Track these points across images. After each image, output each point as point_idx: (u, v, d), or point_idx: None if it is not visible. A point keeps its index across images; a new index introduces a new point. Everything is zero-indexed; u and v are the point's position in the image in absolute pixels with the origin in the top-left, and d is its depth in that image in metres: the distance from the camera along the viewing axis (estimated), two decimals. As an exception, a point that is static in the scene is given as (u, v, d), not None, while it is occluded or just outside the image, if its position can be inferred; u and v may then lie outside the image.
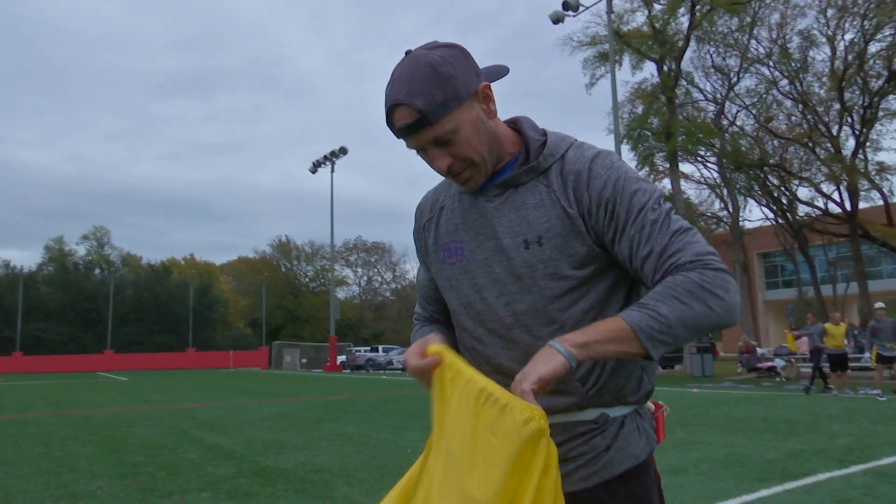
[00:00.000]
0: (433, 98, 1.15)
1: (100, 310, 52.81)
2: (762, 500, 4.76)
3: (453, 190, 1.37)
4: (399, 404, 13.96)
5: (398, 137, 1.23)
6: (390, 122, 1.22)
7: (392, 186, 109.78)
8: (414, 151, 1.25)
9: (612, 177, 1.18)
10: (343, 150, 42.56)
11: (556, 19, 24.65)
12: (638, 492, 1.21)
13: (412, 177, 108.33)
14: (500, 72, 1.33)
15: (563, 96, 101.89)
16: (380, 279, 71.22)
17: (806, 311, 33.55)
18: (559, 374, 1.05)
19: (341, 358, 42.22)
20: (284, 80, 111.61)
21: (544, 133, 1.29)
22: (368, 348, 44.85)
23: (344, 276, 66.76)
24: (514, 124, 1.32)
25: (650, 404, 1.34)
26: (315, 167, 44.08)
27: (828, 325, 14.55)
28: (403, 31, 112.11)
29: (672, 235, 1.12)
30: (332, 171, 43.30)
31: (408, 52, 1.21)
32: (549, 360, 1.06)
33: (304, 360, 50.04)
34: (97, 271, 61.56)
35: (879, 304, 13.76)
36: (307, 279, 67.87)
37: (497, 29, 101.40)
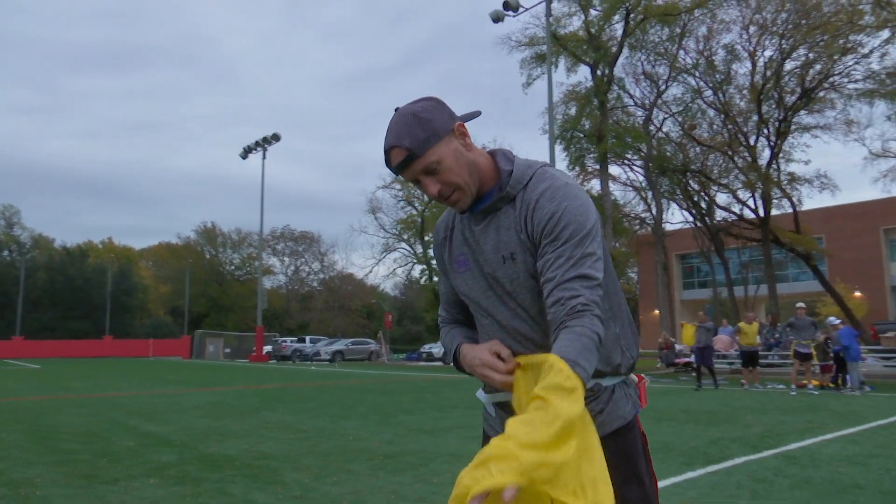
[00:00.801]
0: (417, 137, 1.42)
1: (8, 293, 50.15)
2: (689, 481, 5.19)
3: (457, 219, 1.63)
4: (332, 394, 14.02)
5: (396, 174, 1.49)
6: (388, 163, 1.47)
7: (321, 176, 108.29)
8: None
9: (551, 210, 1.42)
10: (276, 137, 41.89)
11: (496, 18, 25.04)
12: (626, 446, 1.48)
13: (343, 167, 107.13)
14: (473, 115, 1.58)
15: (494, 92, 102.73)
16: (307, 269, 70.37)
17: (721, 311, 35.40)
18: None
19: (267, 348, 41.61)
20: (209, 61, 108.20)
21: (512, 164, 1.52)
22: (295, 339, 44.37)
23: (270, 264, 65.62)
24: (492, 156, 1.56)
25: (633, 376, 1.60)
26: (246, 153, 43.20)
27: (741, 325, 15.50)
28: (332, 17, 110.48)
29: (571, 278, 1.35)
30: (264, 157, 42.57)
31: (396, 109, 1.48)
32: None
33: (227, 350, 48.99)
34: (6, 253, 58.30)
35: (800, 304, 14.75)
36: (233, 267, 66.37)
37: (429, 22, 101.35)
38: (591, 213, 1.43)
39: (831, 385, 14.41)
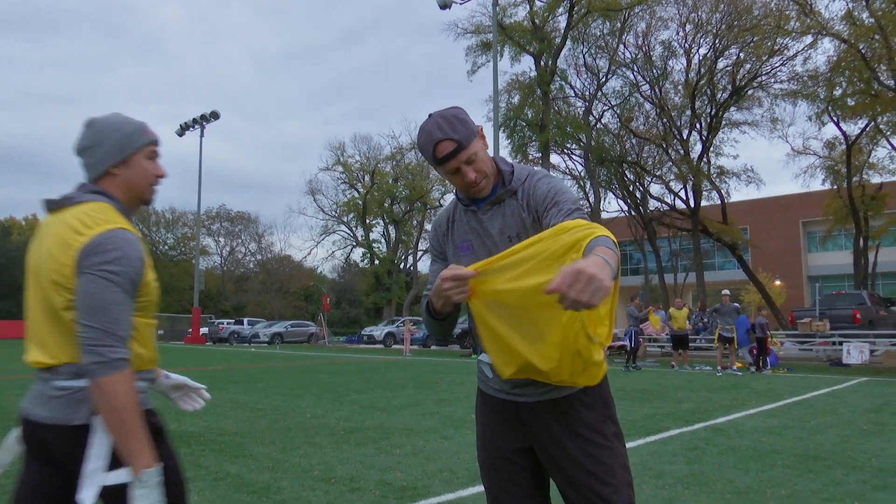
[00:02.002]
0: (462, 133, 1.78)
1: (-78, 271, 47.56)
2: (630, 450, 5.68)
3: (458, 211, 1.97)
4: (280, 375, 14.16)
5: (439, 164, 1.82)
6: (435, 154, 1.79)
7: (257, 156, 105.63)
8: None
9: (545, 188, 1.82)
10: (214, 115, 40.96)
11: (444, 5, 25.25)
12: (603, 393, 1.86)
13: (279, 147, 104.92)
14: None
15: (433, 76, 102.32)
16: (244, 250, 69.15)
17: (652, 297, 36.84)
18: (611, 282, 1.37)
19: (203, 330, 40.93)
20: (135, 32, 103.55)
21: (512, 166, 1.92)
22: (232, 321, 43.76)
23: (205, 245, 64.17)
24: (493, 160, 1.93)
25: None
26: (183, 130, 42.06)
27: (672, 310, 16.43)
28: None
29: (571, 211, 1.74)
30: (202, 135, 41.60)
31: (430, 115, 1.84)
32: (604, 269, 1.35)
33: (160, 332, 47.88)
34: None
35: (725, 292, 15.71)
36: (166, 247, 64.56)
37: (367, 1, 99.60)
38: (573, 191, 1.85)
39: (752, 367, 15.45)
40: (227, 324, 41.59)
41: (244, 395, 10.25)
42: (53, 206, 1.75)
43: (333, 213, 50.39)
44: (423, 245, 52.49)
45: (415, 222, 50.56)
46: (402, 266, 50.54)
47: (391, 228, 49.48)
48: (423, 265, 72.49)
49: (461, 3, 25.43)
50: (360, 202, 46.94)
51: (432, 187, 47.58)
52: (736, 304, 15.72)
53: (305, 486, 4.55)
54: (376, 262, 47.02)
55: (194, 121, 41.20)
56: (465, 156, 1.79)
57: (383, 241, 50.08)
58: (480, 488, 4.47)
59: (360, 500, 4.24)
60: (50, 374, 1.65)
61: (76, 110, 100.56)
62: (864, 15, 23.35)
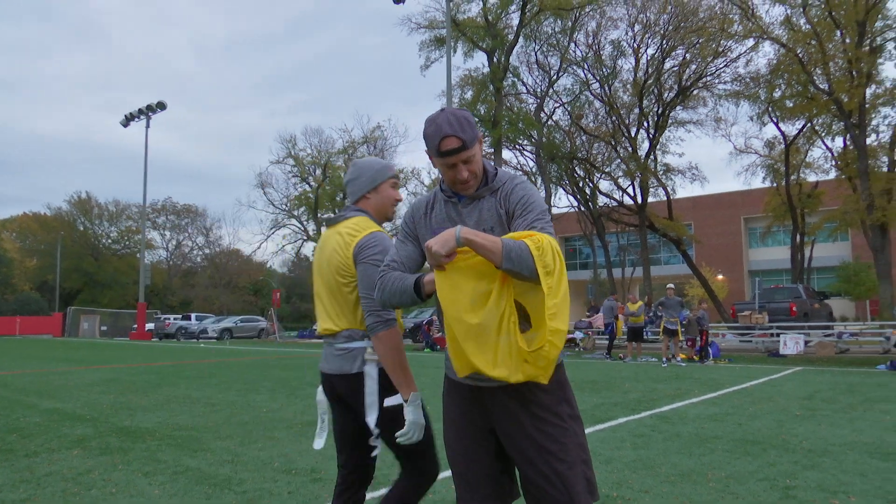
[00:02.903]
0: (468, 134, 1.95)
1: None
2: (580, 438, 5.96)
3: (438, 200, 2.12)
4: (232, 371, 14.04)
5: (441, 156, 1.96)
6: (439, 146, 1.95)
7: (203, 147, 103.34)
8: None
9: (521, 195, 1.99)
10: (161, 105, 40.05)
11: (397, -1, 25.27)
12: (560, 377, 2.03)
13: (225, 139, 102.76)
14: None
15: (384, 68, 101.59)
16: (190, 244, 67.73)
17: (600, 291, 37.65)
18: (450, 248, 1.78)
19: (149, 326, 40.04)
20: (73, 15, 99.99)
21: (496, 169, 2.10)
22: (179, 316, 42.92)
23: (150, 238, 62.63)
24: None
25: None
26: (127, 120, 40.96)
27: (629, 304, 16.97)
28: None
29: (533, 221, 1.92)
30: (147, 126, 40.57)
31: (443, 110, 1.98)
32: (447, 237, 1.79)
33: (103, 328, 46.62)
34: None
35: (670, 286, 16.24)
36: (109, 241, 62.77)
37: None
38: (543, 202, 2.02)
39: (696, 358, 16.05)
40: (174, 319, 40.79)
41: (197, 390, 10.17)
42: (331, 222, 2.57)
43: (284, 206, 49.78)
44: (375, 239, 52.28)
45: (367, 216, 50.30)
46: (353, 260, 50.22)
47: (343, 223, 49.11)
48: (375, 259, 72.24)
49: (415, -2, 25.43)
50: (312, 196, 46.47)
51: (385, 182, 47.40)
52: (679, 297, 16.31)
53: (267, 478, 4.63)
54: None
55: (140, 111, 40.17)
56: (465, 155, 1.96)
57: (335, 235, 49.69)
58: (445, 473, 4.64)
59: (324, 489, 4.34)
60: (333, 338, 2.44)
61: (15, 96, 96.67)
62: (802, 21, 24.32)
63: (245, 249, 78.03)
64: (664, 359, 15.25)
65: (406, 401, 2.28)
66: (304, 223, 49.32)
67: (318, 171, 47.80)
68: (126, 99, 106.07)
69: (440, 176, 2.08)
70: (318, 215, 47.15)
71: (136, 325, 38.99)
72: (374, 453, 2.45)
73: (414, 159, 64.86)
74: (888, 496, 4.01)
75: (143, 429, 6.62)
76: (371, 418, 2.33)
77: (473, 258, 1.82)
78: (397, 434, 2.27)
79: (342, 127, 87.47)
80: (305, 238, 49.84)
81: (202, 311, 51.07)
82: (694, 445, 5.56)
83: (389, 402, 2.31)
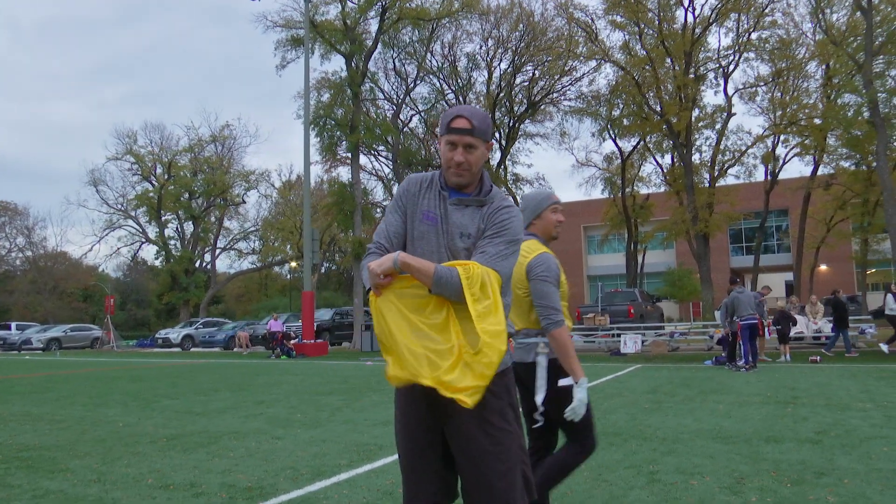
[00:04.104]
0: (480, 125, 2.10)
1: None
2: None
3: (434, 186, 2.21)
4: (72, 384, 12.91)
5: (448, 132, 2.10)
6: (450, 123, 2.10)
7: (19, 138, 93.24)
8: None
9: (501, 218, 2.13)
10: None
11: (253, -5, 24.53)
12: (507, 382, 2.15)
13: (44, 130, 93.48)
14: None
15: (226, 62, 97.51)
16: (8, 245, 60.95)
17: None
18: (386, 267, 1.95)
19: (-40, 337, 35.56)
20: None
21: (492, 185, 2.22)
22: (-4, 326, 38.56)
23: (-41, 239, 55.72)
24: (482, 174, 2.22)
25: (510, 340, 2.29)
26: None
27: None
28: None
29: (495, 256, 2.08)
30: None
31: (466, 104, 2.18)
32: (386, 260, 1.96)
33: None
34: None
35: None
36: None
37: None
38: (521, 233, 2.17)
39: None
40: (-11, 329, 36.58)
41: (35, 406, 9.29)
42: None
43: (120, 206, 46.28)
44: (221, 243, 50.13)
45: (213, 218, 48.07)
46: (199, 265, 47.80)
47: (188, 225, 46.58)
48: (222, 264, 69.22)
49: (272, -4, 24.79)
50: (154, 196, 43.59)
51: (233, 183, 45.61)
52: None
53: (143, 496, 4.37)
54: (171, 260, 43.98)
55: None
56: (468, 139, 2.08)
57: (178, 237, 46.97)
58: (327, 482, 4.64)
59: (209, 503, 4.18)
60: (515, 335, 2.99)
61: None
62: (638, 47, 26.57)
63: (74, 252, 71.53)
64: None
65: (576, 383, 2.80)
66: (144, 225, 46.19)
67: (161, 170, 44.98)
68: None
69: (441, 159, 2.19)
70: (161, 216, 44.35)
71: (-60, 337, 34.48)
72: (536, 425, 3.06)
73: (264, 160, 62.81)
74: (733, 473, 4.56)
75: (-19, 451, 5.97)
76: (539, 397, 2.94)
77: (409, 283, 1.97)
78: (568, 410, 2.80)
79: (187, 124, 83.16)
80: (144, 240, 46.68)
81: (23, 319, 46.20)
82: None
83: (563, 382, 2.88)
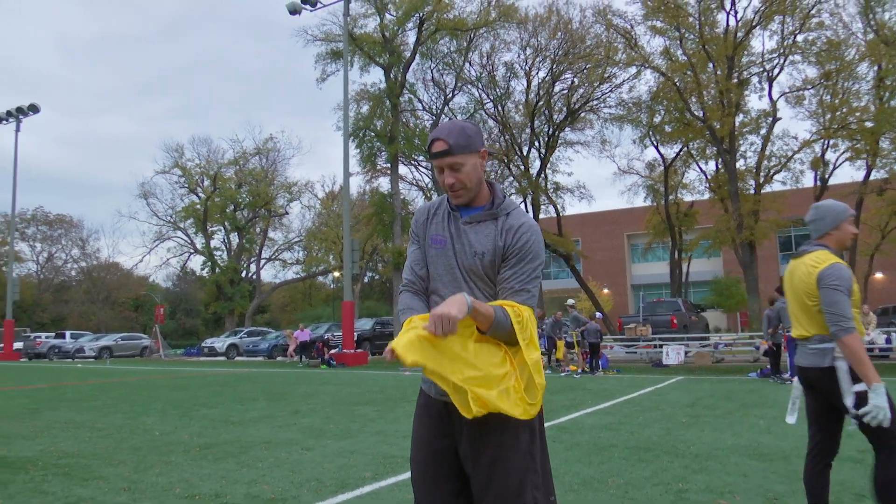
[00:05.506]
0: (457, 141, 2.02)
1: None
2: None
3: (442, 209, 2.20)
4: (117, 392, 13.25)
5: (430, 158, 2.06)
6: (429, 148, 2.06)
7: (72, 152, 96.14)
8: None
9: (524, 241, 2.07)
10: (34, 108, 37.38)
11: (293, 10, 25.01)
12: None
13: (96, 144, 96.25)
14: (493, 151, 2.27)
15: (267, 76, 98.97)
16: (64, 256, 63.14)
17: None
18: (464, 314, 1.87)
19: (17, 345, 36.95)
20: None
21: (504, 196, 2.16)
22: (52, 334, 39.94)
23: (19, 250, 57.91)
24: (490, 185, 2.18)
25: None
26: (-6, 123, 37.85)
27: None
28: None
29: (520, 290, 2.04)
30: (18, 129, 37.71)
31: (453, 119, 2.17)
32: (461, 305, 1.88)
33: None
34: None
35: (570, 301, 16.89)
36: (-30, 253, 57.43)
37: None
38: (543, 249, 2.11)
39: (587, 369, 16.74)
40: (46, 337, 37.90)
41: (79, 414, 9.55)
42: (797, 255, 3.30)
43: (169, 218, 47.54)
44: (266, 253, 50.99)
45: (258, 229, 48.99)
46: (244, 275, 48.74)
47: (233, 236, 47.58)
48: (267, 274, 70.31)
49: (311, 10, 25.23)
50: (201, 207, 44.66)
51: (277, 194, 46.42)
52: (576, 312, 17.08)
53: (169, 505, 4.44)
54: (217, 270, 44.93)
55: (9, 113, 37.27)
56: (450, 160, 2.02)
57: (224, 248, 48.02)
58: (350, 495, 4.63)
59: (231, 514, 4.22)
60: (806, 341, 3.18)
61: None
62: (679, 52, 26.14)
63: (126, 263, 73.85)
64: (567, 369, 16.05)
65: (870, 388, 2.87)
66: (192, 236, 47.32)
67: (207, 182, 46.07)
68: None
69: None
70: (207, 227, 45.39)
71: (1, 345, 35.89)
72: (850, 427, 3.09)
73: (308, 172, 63.65)
74: (766, 493, 4.40)
75: (23, 458, 6.15)
76: (848, 401, 2.99)
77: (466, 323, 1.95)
78: (861, 412, 2.88)
79: (232, 137, 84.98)
80: (192, 251, 47.82)
81: (77, 328, 47.76)
82: (592, 454, 5.84)
83: (857, 388, 2.96)
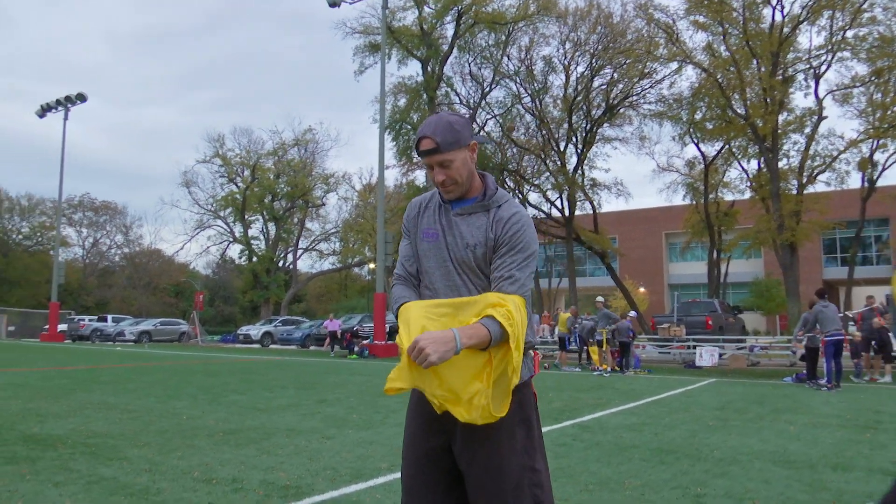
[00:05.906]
0: (445, 137, 1.98)
1: None
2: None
3: (433, 202, 2.17)
4: (152, 375, 13.56)
5: (420, 156, 2.03)
6: (417, 146, 2.02)
7: (118, 141, 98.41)
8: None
9: (515, 230, 2.04)
10: (81, 97, 38.33)
11: (333, 3, 25.16)
12: (521, 398, 2.04)
13: (140, 134, 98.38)
14: (484, 140, 2.23)
15: (307, 68, 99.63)
16: (108, 242, 64.84)
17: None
18: (449, 357, 1.82)
19: (62, 327, 38.12)
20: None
21: (496, 187, 2.13)
22: (95, 317, 41.09)
23: (66, 235, 59.64)
24: (482, 176, 2.15)
25: (531, 351, 2.18)
26: (43, 111, 39.00)
27: (560, 314, 17.59)
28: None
29: (508, 277, 1.99)
30: (66, 118, 38.78)
31: (440, 113, 2.05)
32: (447, 349, 1.81)
33: (11, 328, 44.05)
34: None
35: (599, 298, 16.73)
36: (20, 236, 59.41)
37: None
38: (535, 240, 2.07)
39: (617, 368, 16.55)
40: (89, 320, 39.02)
41: (113, 396, 9.79)
42: None
43: (210, 206, 48.42)
44: (303, 243, 51.58)
45: (295, 220, 49.58)
46: (281, 264, 49.40)
47: (271, 225, 48.26)
48: (303, 264, 71.18)
49: (351, 3, 25.36)
50: (240, 197, 45.38)
51: (315, 185, 46.88)
52: (606, 310, 16.90)
53: (186, 488, 4.51)
54: (254, 259, 45.63)
55: (58, 102, 38.32)
56: (438, 158, 1.99)
57: (262, 237, 48.74)
58: (363, 485, 4.65)
59: (244, 499, 4.27)
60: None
61: None
62: (722, 48, 25.56)
63: (167, 250, 75.38)
64: (599, 367, 15.98)
65: None
66: (231, 225, 48.14)
67: (247, 173, 46.76)
68: (26, 86, 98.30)
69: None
70: (246, 217, 46.09)
71: (47, 326, 37.06)
72: None
73: (345, 163, 64.21)
74: (788, 502, 4.27)
75: (53, 436, 6.33)
76: None
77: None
78: None
79: (272, 128, 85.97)
80: (231, 240, 48.64)
81: (119, 312, 48.97)
82: (612, 454, 5.76)
83: None
